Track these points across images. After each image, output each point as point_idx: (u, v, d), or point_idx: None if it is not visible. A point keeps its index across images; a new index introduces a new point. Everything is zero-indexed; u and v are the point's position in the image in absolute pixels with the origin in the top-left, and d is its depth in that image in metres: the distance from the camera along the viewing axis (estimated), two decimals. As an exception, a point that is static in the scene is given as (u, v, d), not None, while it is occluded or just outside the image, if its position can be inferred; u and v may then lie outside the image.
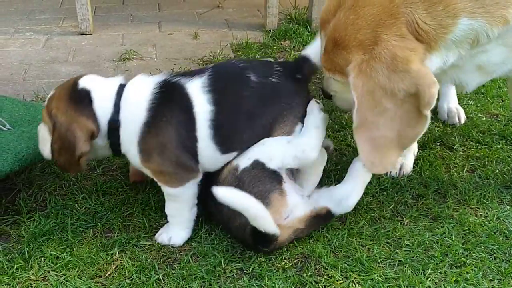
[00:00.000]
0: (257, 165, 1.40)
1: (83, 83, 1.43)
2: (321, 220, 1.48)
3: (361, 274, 1.37)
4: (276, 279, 1.34)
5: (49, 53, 2.78)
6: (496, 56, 1.43)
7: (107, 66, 2.64)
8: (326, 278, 1.35)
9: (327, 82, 1.55)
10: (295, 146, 1.41)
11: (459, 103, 2.15)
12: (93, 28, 3.03)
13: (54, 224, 1.53)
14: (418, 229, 1.53)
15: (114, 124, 1.39)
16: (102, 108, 1.39)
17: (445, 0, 1.29)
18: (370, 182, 1.72)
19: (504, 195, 1.67)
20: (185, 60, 2.70)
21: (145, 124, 1.37)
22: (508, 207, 1.62)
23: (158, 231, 1.50)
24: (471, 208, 1.62)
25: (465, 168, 1.80)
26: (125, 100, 1.40)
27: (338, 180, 1.72)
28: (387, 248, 1.46)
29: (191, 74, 1.47)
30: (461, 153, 1.90)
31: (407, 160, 1.82)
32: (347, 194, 1.48)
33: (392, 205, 1.63)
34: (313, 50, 1.53)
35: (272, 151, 1.41)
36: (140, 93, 1.41)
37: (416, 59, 1.27)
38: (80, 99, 1.39)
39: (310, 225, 1.45)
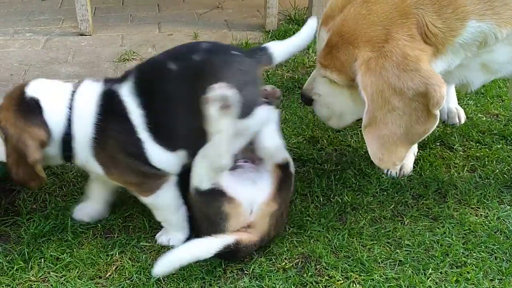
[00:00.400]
0: (195, 190, 1.37)
1: (31, 91, 1.38)
2: (286, 181, 1.43)
3: (361, 274, 1.36)
4: (276, 279, 1.34)
5: (48, 54, 2.78)
6: (501, 56, 1.42)
7: (106, 66, 2.64)
8: (327, 278, 1.35)
9: (312, 84, 1.53)
10: (207, 159, 1.32)
11: (459, 103, 2.15)
12: (92, 28, 3.02)
13: (54, 225, 1.53)
14: (418, 229, 1.53)
15: (68, 138, 1.37)
16: (54, 120, 1.36)
17: (454, 2, 1.29)
18: (370, 182, 1.74)
19: (504, 195, 1.67)
20: (185, 61, 2.70)
21: (93, 140, 1.36)
22: (509, 207, 1.61)
23: (158, 232, 1.50)
24: (472, 208, 1.62)
25: (465, 168, 1.80)
26: (76, 113, 1.36)
27: (338, 180, 1.74)
28: (387, 248, 1.46)
29: (123, 78, 1.41)
30: (461, 153, 1.89)
31: (407, 160, 1.81)
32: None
33: (393, 205, 1.63)
34: (279, 47, 1.41)
35: (197, 172, 1.36)
36: (88, 105, 1.37)
37: (426, 59, 1.27)
38: (29, 110, 1.35)
39: (282, 196, 1.40)
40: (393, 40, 1.26)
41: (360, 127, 2.04)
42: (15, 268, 1.38)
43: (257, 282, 1.34)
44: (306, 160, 1.86)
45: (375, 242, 1.48)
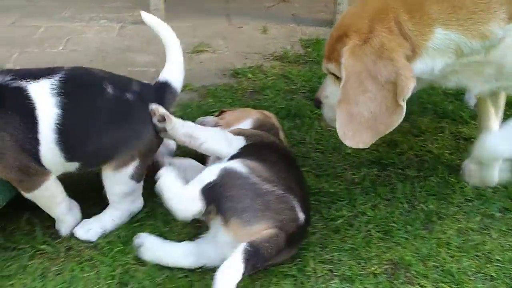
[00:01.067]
0: None
1: None
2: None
3: (452, 286, 1.36)
4: (367, 283, 1.35)
5: (124, 42, 2.86)
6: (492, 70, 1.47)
7: (180, 57, 2.69)
8: (418, 287, 1.35)
9: (322, 86, 1.66)
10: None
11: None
12: (164, 18, 3.08)
13: (146, 212, 1.59)
14: (508, 245, 1.50)
15: None
16: None
17: (422, 9, 1.41)
18: (454, 191, 1.71)
19: None
20: (256, 55, 2.73)
21: None
22: None
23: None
24: None
25: (556, 183, 1.75)
26: None
27: (422, 187, 1.72)
28: (476, 262, 1.44)
29: (37, 74, 1.40)
30: (549, 167, 1.84)
31: (491, 171, 1.78)
32: None
33: (479, 217, 1.60)
34: (174, 74, 1.57)
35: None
36: None
37: (401, 52, 1.40)
38: None
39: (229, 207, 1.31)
40: (375, 31, 1.42)
41: (440, 133, 2.03)
42: (114, 250, 1.44)
43: (347, 284, 1.35)
44: (387, 164, 1.85)
45: (464, 254, 1.46)
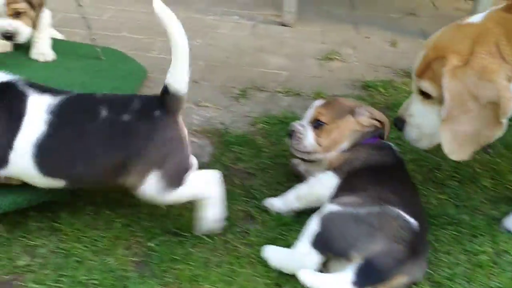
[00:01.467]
0: None
1: None
2: None
3: None
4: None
5: (256, 41, 2.97)
6: None
7: (311, 63, 2.77)
8: None
9: (403, 106, 1.72)
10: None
11: None
12: (295, 21, 3.16)
13: (293, 217, 1.69)
14: None
15: None
16: None
17: None
18: None
19: None
20: (385, 68, 2.73)
21: None
22: None
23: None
24: None
25: None
26: None
27: None
28: None
29: (46, 89, 1.48)
30: None
31: None
32: None
33: None
34: (175, 77, 1.44)
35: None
36: None
37: (502, 74, 1.47)
38: None
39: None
40: (475, 53, 1.49)
41: None
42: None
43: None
44: (528, 204, 1.81)
45: None
